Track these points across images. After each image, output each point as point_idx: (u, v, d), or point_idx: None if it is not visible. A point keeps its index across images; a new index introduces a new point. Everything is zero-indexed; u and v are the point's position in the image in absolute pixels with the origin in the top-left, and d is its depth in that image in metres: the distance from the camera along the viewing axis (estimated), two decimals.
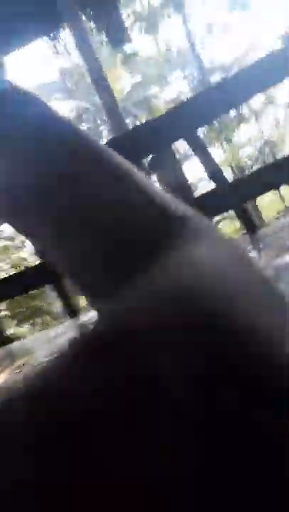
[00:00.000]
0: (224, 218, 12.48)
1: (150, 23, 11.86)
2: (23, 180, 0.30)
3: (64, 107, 18.54)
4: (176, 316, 0.20)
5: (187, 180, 2.68)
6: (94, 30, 3.59)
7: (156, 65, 18.22)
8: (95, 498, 0.16)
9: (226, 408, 0.17)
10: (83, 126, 17.91)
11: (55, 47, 4.55)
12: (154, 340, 0.19)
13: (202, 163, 2.24)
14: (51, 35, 4.10)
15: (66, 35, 4.28)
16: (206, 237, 0.28)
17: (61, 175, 0.30)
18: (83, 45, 2.82)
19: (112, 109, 3.01)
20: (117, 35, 4.13)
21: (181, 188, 2.49)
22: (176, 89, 19.51)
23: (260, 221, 9.88)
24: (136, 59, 17.63)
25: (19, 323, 9.17)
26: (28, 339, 4.69)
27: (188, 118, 2.15)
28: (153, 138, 2.32)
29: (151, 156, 2.70)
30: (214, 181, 2.24)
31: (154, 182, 2.83)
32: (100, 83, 3.79)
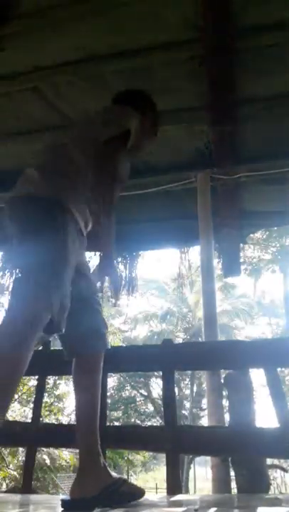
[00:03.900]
0: None
1: (254, 269, 13.15)
2: None
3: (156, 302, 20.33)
4: None
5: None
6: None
7: (247, 303, 19.32)
8: None
9: None
10: (163, 325, 18.76)
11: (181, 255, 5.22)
12: None
13: (273, 402, 2.20)
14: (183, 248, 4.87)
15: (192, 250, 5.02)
16: None
17: None
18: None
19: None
20: (232, 266, 4.65)
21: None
22: (260, 330, 20.15)
23: None
24: (232, 290, 18.97)
25: None
26: None
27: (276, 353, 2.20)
28: (232, 354, 2.35)
29: (227, 372, 2.76)
30: (278, 421, 2.16)
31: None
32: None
